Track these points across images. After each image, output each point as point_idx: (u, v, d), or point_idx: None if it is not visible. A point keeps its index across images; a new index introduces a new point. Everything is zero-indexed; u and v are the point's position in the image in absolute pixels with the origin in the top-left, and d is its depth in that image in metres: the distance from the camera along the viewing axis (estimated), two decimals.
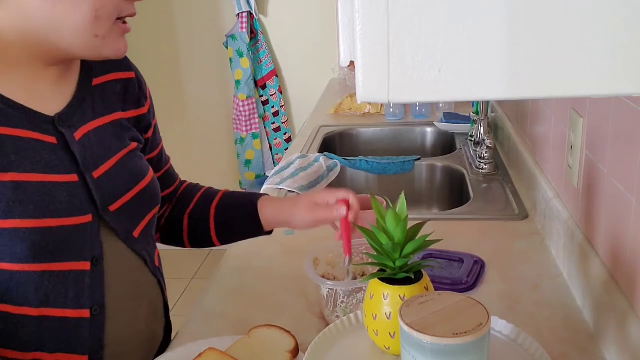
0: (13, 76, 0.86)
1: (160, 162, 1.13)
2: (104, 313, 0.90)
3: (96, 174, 0.90)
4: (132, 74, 1.04)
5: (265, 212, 1.11)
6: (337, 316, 0.98)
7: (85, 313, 0.89)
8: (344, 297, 0.98)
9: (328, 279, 1.02)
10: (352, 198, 1.04)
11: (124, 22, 0.88)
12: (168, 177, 1.16)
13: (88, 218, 0.88)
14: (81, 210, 0.87)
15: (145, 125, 1.06)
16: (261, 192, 1.64)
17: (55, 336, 0.87)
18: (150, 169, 1.03)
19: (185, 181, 1.21)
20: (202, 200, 1.15)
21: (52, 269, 0.85)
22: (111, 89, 0.99)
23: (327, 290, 0.99)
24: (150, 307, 1.02)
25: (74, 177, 0.87)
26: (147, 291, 1.01)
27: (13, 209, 0.81)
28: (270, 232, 1.15)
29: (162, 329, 1.07)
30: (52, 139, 0.87)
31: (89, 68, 0.97)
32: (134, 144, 1.00)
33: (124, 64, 1.03)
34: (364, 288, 0.97)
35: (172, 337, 1.08)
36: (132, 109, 1.02)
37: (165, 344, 1.07)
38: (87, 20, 0.82)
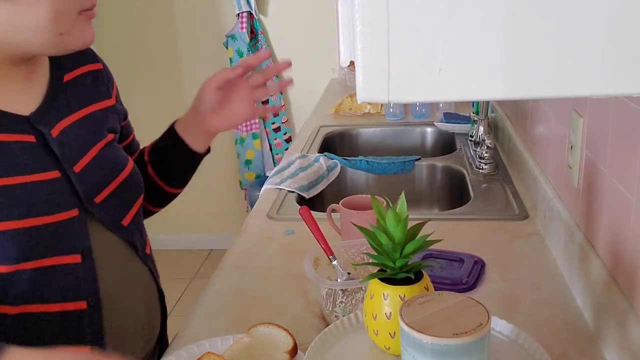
0: None
1: (131, 147, 1.14)
2: (100, 303, 0.91)
3: (77, 168, 0.91)
4: (100, 65, 1.05)
5: (182, 129, 1.11)
6: (335, 316, 0.98)
7: (82, 305, 0.90)
8: (343, 297, 0.99)
9: (329, 279, 1.02)
10: (227, 73, 1.07)
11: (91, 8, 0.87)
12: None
13: (74, 212, 0.89)
14: (66, 206, 0.88)
15: (120, 113, 1.07)
16: (261, 191, 1.65)
17: (56, 331, 0.88)
18: (130, 159, 1.04)
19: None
20: (138, 156, 1.15)
21: (45, 264, 0.86)
22: (82, 82, 1.00)
23: (326, 290, 0.99)
24: (145, 294, 1.03)
25: (55, 174, 0.88)
26: (140, 279, 1.02)
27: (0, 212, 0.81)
28: (207, 152, 1.14)
29: (159, 315, 1.09)
30: (30, 138, 0.87)
31: (58, 65, 0.97)
32: (111, 135, 1.01)
33: (91, 56, 1.04)
34: (363, 288, 0.97)
35: (172, 337, 1.08)
36: (104, 99, 1.03)
37: (162, 331, 1.09)
38: (49, 19, 0.82)
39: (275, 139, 3.33)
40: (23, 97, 0.89)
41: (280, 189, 1.62)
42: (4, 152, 0.84)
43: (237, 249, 1.32)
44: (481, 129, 1.70)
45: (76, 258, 0.89)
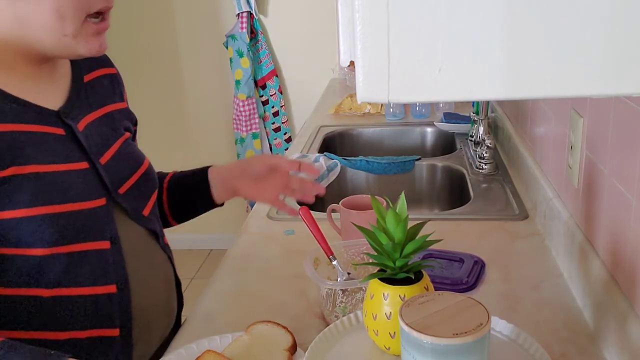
0: (13, 77, 0.90)
1: None
2: (128, 287, 0.96)
3: (102, 160, 0.96)
4: (114, 70, 1.11)
5: (214, 179, 1.18)
6: (335, 316, 0.98)
7: (112, 289, 0.94)
8: (343, 297, 0.99)
9: (329, 279, 1.02)
10: (283, 162, 1.14)
11: (103, 20, 0.91)
12: None
13: (102, 201, 0.94)
14: (96, 194, 0.93)
15: (132, 116, 1.13)
16: None
17: (87, 314, 0.92)
18: (145, 156, 1.10)
19: None
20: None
21: (77, 249, 0.90)
22: (100, 83, 1.06)
23: (326, 290, 0.99)
24: (166, 280, 1.09)
25: (84, 165, 0.93)
26: (161, 265, 1.07)
27: (38, 197, 0.86)
28: (221, 205, 1.21)
29: (176, 302, 1.14)
30: (60, 131, 0.93)
31: (78, 66, 1.02)
32: (127, 134, 1.07)
33: (106, 61, 1.10)
34: (363, 288, 0.97)
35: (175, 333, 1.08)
36: (118, 101, 1.09)
37: (177, 320, 1.14)
38: (51, 18, 0.85)
39: (275, 139, 3.33)
40: (51, 93, 0.95)
41: None
42: (38, 141, 0.89)
43: (237, 249, 1.32)
44: (481, 129, 1.70)
45: (105, 244, 0.94)
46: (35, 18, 0.85)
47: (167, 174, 1.23)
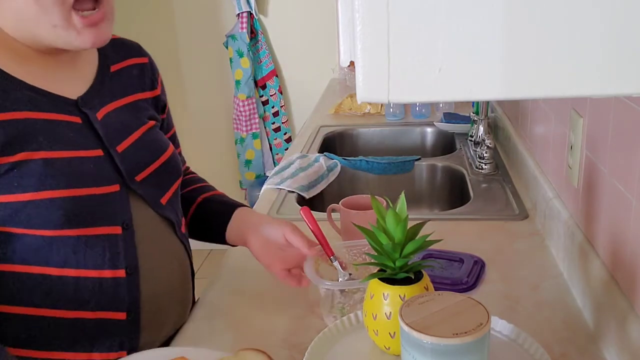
0: (30, 67, 0.93)
1: (173, 143, 1.18)
2: (137, 273, 0.97)
3: (120, 148, 0.98)
4: (145, 60, 1.14)
5: (235, 221, 1.15)
6: (334, 316, 0.98)
7: (121, 273, 0.96)
8: (341, 298, 0.99)
9: (331, 279, 1.02)
10: (302, 245, 1.04)
11: (98, 11, 0.91)
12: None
13: (115, 187, 0.96)
14: (108, 181, 0.95)
15: (161, 105, 1.15)
16: (261, 191, 1.65)
17: (94, 295, 0.94)
18: (170, 144, 1.10)
19: (189, 169, 1.30)
20: (193, 190, 1.23)
21: (87, 233, 0.92)
22: (128, 73, 1.08)
23: (325, 290, 0.99)
24: (181, 269, 1.09)
25: (99, 152, 0.95)
26: (176, 254, 1.08)
27: (45, 182, 0.88)
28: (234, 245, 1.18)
29: (191, 293, 1.14)
30: (76, 119, 0.95)
31: (106, 56, 1.06)
32: (152, 122, 1.08)
33: (137, 51, 1.14)
34: (362, 289, 0.97)
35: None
36: (148, 90, 1.11)
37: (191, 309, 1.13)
38: (34, 10, 0.87)
39: (275, 139, 3.33)
40: (72, 82, 0.98)
41: (280, 189, 1.62)
42: (53, 128, 0.91)
43: (237, 249, 1.31)
44: (481, 129, 1.70)
45: (117, 229, 0.95)
46: (25, 11, 0.87)
47: (210, 190, 1.23)
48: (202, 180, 1.28)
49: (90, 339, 0.95)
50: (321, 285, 0.98)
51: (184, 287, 1.10)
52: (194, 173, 1.31)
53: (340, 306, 0.99)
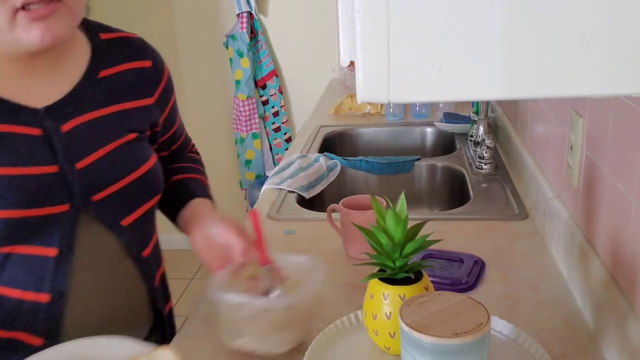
0: (0, 72, 0.88)
1: (172, 140, 1.15)
2: (63, 300, 0.92)
3: (81, 164, 0.91)
4: (148, 63, 1.05)
5: (190, 207, 1.08)
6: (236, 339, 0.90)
7: (44, 297, 0.91)
8: (247, 319, 0.90)
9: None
10: (239, 246, 0.98)
11: (45, 4, 0.82)
12: (179, 150, 1.22)
13: (64, 207, 0.89)
14: (56, 200, 0.89)
15: (156, 113, 1.06)
16: (261, 191, 1.65)
17: (11, 315, 0.90)
18: (151, 159, 1.01)
19: (194, 147, 1.27)
20: (178, 168, 1.18)
21: (17, 251, 0.88)
22: (121, 79, 0.99)
23: (227, 308, 0.91)
24: (130, 297, 1.02)
25: (53, 169, 0.89)
26: (125, 281, 1.00)
27: None
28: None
29: (147, 320, 1.08)
30: (37, 131, 0.89)
31: (100, 60, 0.98)
32: (132, 135, 0.99)
33: (140, 53, 1.04)
34: (275, 317, 0.88)
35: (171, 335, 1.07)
36: (144, 97, 1.03)
37: (161, 322, 1.10)
38: None
39: (275, 139, 3.33)
40: (46, 90, 0.91)
41: (280, 189, 1.62)
42: (6, 142, 0.86)
43: None
44: (481, 129, 1.70)
45: (51, 251, 0.90)
46: None
47: (190, 172, 1.18)
48: (196, 162, 1.22)
49: (2, 357, 0.91)
50: (221, 299, 0.88)
51: (132, 317, 1.03)
52: (196, 154, 1.26)
53: (245, 330, 0.90)
